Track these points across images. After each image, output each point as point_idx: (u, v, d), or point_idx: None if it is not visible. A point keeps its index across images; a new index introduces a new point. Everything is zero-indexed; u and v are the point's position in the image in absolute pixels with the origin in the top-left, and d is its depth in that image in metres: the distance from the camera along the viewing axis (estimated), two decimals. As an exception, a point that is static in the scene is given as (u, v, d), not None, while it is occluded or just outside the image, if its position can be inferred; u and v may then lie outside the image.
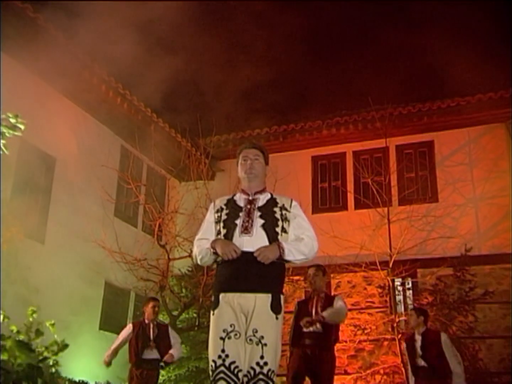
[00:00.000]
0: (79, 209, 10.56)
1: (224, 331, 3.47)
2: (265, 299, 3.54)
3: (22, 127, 3.67)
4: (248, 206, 3.77)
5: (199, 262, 3.83)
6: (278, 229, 3.69)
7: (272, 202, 3.83)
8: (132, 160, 12.06)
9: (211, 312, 3.62)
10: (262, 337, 3.46)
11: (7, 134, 3.52)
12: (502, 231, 11.48)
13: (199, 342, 9.93)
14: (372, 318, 11.43)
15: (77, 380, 9.08)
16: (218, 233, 3.74)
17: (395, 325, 10.58)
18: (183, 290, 10.54)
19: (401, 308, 11.44)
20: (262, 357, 3.43)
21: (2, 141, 3.49)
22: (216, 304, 3.58)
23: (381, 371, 10.91)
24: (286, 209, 3.80)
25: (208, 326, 10.19)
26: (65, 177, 10.40)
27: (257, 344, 3.46)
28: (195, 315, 10.11)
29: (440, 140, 12.38)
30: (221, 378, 3.40)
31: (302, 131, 12.99)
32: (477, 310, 10.59)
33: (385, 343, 11.06)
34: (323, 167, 13.21)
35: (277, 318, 3.55)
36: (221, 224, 3.73)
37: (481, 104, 11.90)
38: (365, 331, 11.02)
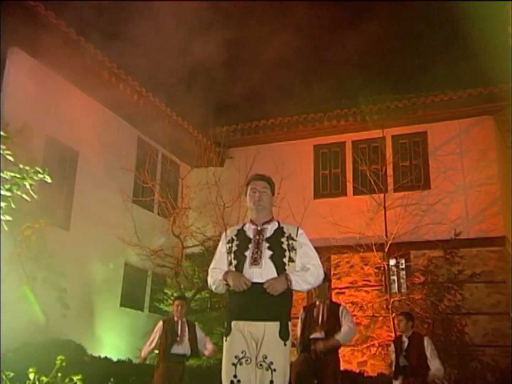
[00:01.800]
0: (100, 198, 10.64)
1: (236, 357, 3.47)
2: (274, 327, 3.54)
3: (49, 180, 3.59)
4: (257, 237, 3.72)
5: (213, 290, 3.84)
6: (286, 260, 3.65)
7: (279, 232, 3.78)
8: (148, 149, 12.18)
9: (224, 338, 3.62)
10: (272, 362, 3.46)
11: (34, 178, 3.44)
12: (489, 216, 11.55)
13: (211, 319, 10.07)
14: (368, 295, 11.56)
15: (101, 356, 9.19)
16: (230, 263, 3.72)
17: (390, 306, 10.68)
18: (196, 272, 10.59)
19: (395, 287, 11.58)
20: (271, 382, 3.45)
21: (28, 183, 3.43)
22: (228, 331, 3.59)
23: (376, 344, 11.07)
24: (292, 238, 3.75)
25: (219, 306, 10.37)
26: (87, 169, 10.47)
27: (267, 369, 3.46)
28: (207, 295, 10.24)
29: (433, 131, 12.34)
30: None
31: (305, 122, 12.95)
32: (464, 290, 10.65)
33: (380, 318, 11.20)
34: (324, 155, 13.20)
35: (285, 344, 3.55)
36: (232, 255, 3.71)
37: (471, 98, 11.82)
38: (362, 308, 11.16)
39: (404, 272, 11.70)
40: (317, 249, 12.67)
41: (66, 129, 9.96)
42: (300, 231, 3.83)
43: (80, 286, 9.79)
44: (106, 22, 9.97)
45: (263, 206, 3.80)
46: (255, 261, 3.61)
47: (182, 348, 7.19)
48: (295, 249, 3.71)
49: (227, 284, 3.59)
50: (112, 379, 8.81)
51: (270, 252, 3.64)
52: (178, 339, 7.17)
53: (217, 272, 3.71)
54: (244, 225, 3.90)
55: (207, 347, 7.48)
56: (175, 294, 10.54)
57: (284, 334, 3.53)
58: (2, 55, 8.77)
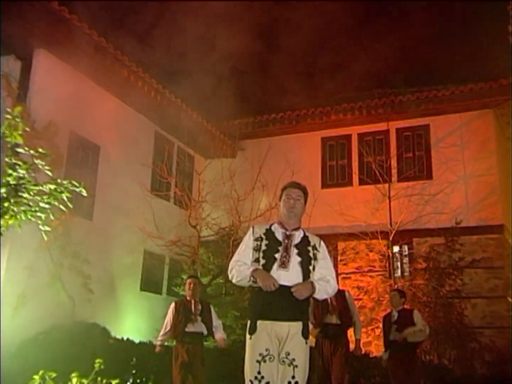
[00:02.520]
0: (120, 189, 10.78)
1: (260, 355, 3.50)
2: (297, 326, 3.57)
3: (85, 193, 3.63)
4: (286, 241, 3.72)
5: (234, 281, 3.81)
6: (311, 267, 3.70)
7: (306, 240, 3.80)
8: (165, 142, 12.32)
9: (248, 336, 3.62)
10: (294, 359, 3.50)
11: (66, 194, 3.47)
12: (488, 205, 11.60)
13: (225, 303, 10.24)
14: (373, 280, 11.68)
15: (123, 338, 9.38)
16: (256, 260, 3.69)
17: (393, 286, 10.79)
18: (211, 259, 10.73)
19: (398, 272, 11.68)
20: (293, 377, 3.48)
21: (65, 196, 3.48)
22: (253, 329, 3.58)
23: (380, 326, 11.21)
24: (316, 249, 3.78)
25: (233, 291, 10.50)
26: (108, 162, 10.60)
27: (289, 365, 3.49)
28: (221, 281, 10.39)
29: (435, 124, 12.34)
30: None
31: (313, 115, 12.96)
32: (464, 275, 10.78)
33: (384, 302, 11.28)
34: (331, 147, 13.22)
35: (306, 342, 3.59)
36: (261, 254, 3.69)
37: (472, 93, 11.81)
38: (367, 292, 11.29)
39: (407, 258, 11.80)
40: (325, 236, 12.88)
41: (88, 125, 10.08)
42: (322, 243, 3.88)
43: (103, 273, 10.00)
44: (126, 23, 10.00)
45: (295, 213, 3.79)
46: (283, 264, 3.63)
47: (198, 326, 6.82)
48: (317, 259, 3.75)
49: (254, 281, 3.59)
50: (134, 360, 9.07)
51: (299, 258, 3.67)
52: (193, 317, 6.78)
53: (243, 267, 3.68)
54: (271, 225, 3.88)
55: (218, 336, 7.15)
56: (191, 280, 10.74)
57: (305, 333, 3.59)
58: (29, 56, 8.90)
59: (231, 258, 10.20)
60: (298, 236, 3.78)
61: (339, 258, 12.03)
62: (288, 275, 3.59)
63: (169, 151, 12.33)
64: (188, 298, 7.04)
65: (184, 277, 11.10)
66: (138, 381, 9.10)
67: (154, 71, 10.67)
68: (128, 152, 11.10)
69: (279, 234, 3.77)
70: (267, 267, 3.62)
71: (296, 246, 3.72)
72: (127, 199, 10.88)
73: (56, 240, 8.78)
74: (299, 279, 3.60)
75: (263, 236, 3.76)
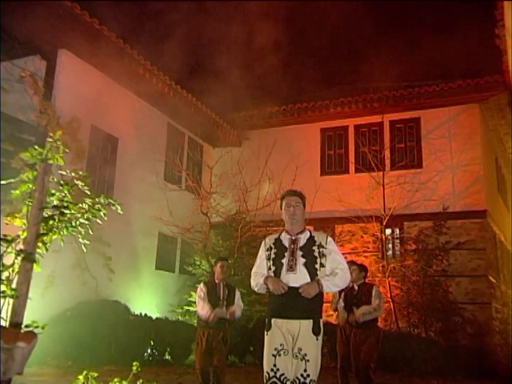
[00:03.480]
0: (137, 177, 10.92)
1: (275, 349, 3.54)
2: (307, 324, 3.58)
3: (120, 211, 3.64)
4: (292, 246, 3.72)
5: (256, 290, 3.85)
6: (317, 266, 3.68)
7: (311, 241, 3.77)
8: (177, 133, 12.39)
9: (265, 332, 3.66)
10: (306, 354, 3.52)
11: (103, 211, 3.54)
12: (472, 192, 11.73)
13: (233, 282, 10.36)
14: (367, 260, 11.81)
15: (142, 313, 9.59)
16: (269, 268, 3.72)
17: (386, 271, 11.02)
18: (219, 241, 10.87)
19: (390, 253, 11.87)
20: (305, 370, 3.51)
21: (102, 212, 3.53)
22: (269, 327, 3.64)
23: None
24: (322, 246, 3.74)
25: (240, 272, 10.66)
26: (126, 153, 10.70)
27: (301, 360, 3.52)
28: (231, 261, 10.56)
29: (425, 117, 12.40)
30: None
31: (313, 108, 13.00)
32: (450, 256, 10.92)
33: (377, 279, 11.48)
34: (329, 137, 13.27)
35: (317, 339, 3.58)
36: (271, 262, 3.71)
37: (460, 89, 11.82)
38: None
39: (398, 241, 11.98)
40: (323, 220, 13.08)
41: (107, 119, 10.16)
42: (329, 239, 3.83)
43: (123, 254, 10.16)
44: (142, 25, 9.98)
45: (296, 219, 3.79)
46: (291, 268, 3.65)
47: (223, 312, 6.20)
48: (325, 256, 3.72)
49: (267, 288, 3.66)
50: (152, 334, 9.31)
51: (304, 260, 3.67)
52: (220, 303, 6.25)
53: (258, 276, 3.75)
54: (280, 234, 3.87)
55: (231, 308, 6.27)
56: (203, 261, 10.90)
57: (316, 330, 3.59)
58: (53, 57, 8.92)
59: (239, 242, 10.33)
60: (303, 239, 3.77)
61: (336, 239, 12.18)
62: (296, 277, 3.61)
63: (181, 141, 12.43)
64: (216, 281, 6.40)
65: (196, 258, 11.32)
66: (156, 353, 9.39)
67: (167, 69, 10.68)
68: (143, 143, 11.19)
69: (285, 240, 3.77)
70: (277, 273, 3.65)
71: (301, 248, 3.72)
72: (143, 187, 11.03)
73: (80, 226, 8.95)
74: (307, 279, 3.61)
75: (272, 246, 3.78)
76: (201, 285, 6.44)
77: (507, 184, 16.13)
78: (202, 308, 6.04)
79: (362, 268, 7.03)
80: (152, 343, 9.33)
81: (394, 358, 9.50)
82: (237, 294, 6.47)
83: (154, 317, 9.65)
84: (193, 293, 10.98)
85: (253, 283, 3.82)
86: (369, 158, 12.02)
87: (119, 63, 9.62)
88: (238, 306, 6.41)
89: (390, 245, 11.97)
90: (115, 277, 10.68)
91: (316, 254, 3.70)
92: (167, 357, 9.50)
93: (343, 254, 12.62)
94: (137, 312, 9.75)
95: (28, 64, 8.73)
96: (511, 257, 15.32)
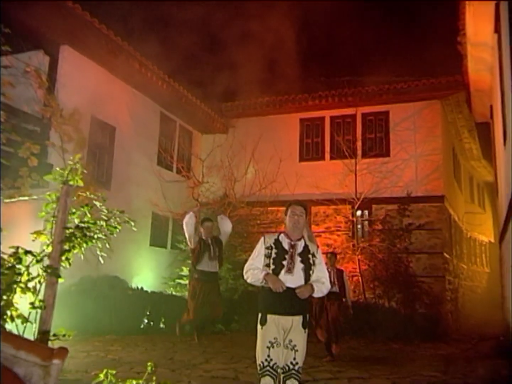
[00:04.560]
0: (132, 163, 10.89)
1: (269, 342, 3.64)
2: (298, 319, 3.71)
3: (134, 228, 3.71)
4: (291, 250, 3.79)
5: (248, 281, 3.90)
6: (311, 272, 3.79)
7: (306, 249, 3.86)
8: (169, 121, 12.32)
9: (259, 326, 3.74)
10: (295, 345, 3.65)
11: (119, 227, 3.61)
12: (432, 179, 12.02)
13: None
14: (339, 238, 12.15)
15: (138, 287, 9.71)
16: (267, 265, 3.78)
17: (356, 249, 11.33)
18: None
19: (360, 233, 12.17)
20: (294, 359, 3.65)
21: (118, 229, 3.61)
22: (264, 321, 3.71)
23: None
24: (315, 256, 3.86)
25: (226, 251, 10.81)
26: (122, 140, 10.62)
27: (291, 350, 3.65)
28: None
29: (393, 111, 12.53)
30: (267, 374, 3.66)
31: (294, 100, 12.99)
32: (411, 235, 11.22)
33: (347, 255, 11.82)
34: (308, 127, 13.31)
35: (305, 331, 3.72)
36: (271, 261, 3.77)
37: (425, 87, 11.96)
38: (335, 248, 11.79)
39: (367, 222, 12.24)
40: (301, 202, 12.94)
41: (106, 109, 10.05)
42: (319, 250, 3.97)
43: (120, 233, 10.19)
44: (138, 23, 9.78)
45: (299, 227, 3.87)
46: (289, 270, 3.73)
47: (213, 266, 6.68)
48: (315, 265, 3.84)
49: (266, 283, 3.73)
50: (148, 306, 9.49)
51: (302, 265, 3.76)
52: (212, 254, 6.67)
53: (256, 271, 3.81)
54: (279, 235, 3.93)
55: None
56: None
57: (304, 324, 3.73)
58: (55, 52, 8.73)
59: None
60: (300, 246, 3.85)
61: (312, 219, 12.45)
62: (293, 279, 3.71)
63: (172, 128, 12.38)
64: (204, 238, 6.94)
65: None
66: (152, 323, 9.59)
67: (161, 64, 10.55)
68: (138, 131, 11.12)
69: (285, 244, 3.84)
70: (276, 272, 3.73)
71: (299, 254, 3.80)
72: (138, 172, 11.01)
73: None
74: (302, 282, 3.73)
75: (273, 246, 3.83)
76: (190, 213, 7.19)
77: (461, 170, 16.61)
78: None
79: (335, 255, 7.98)
80: (148, 314, 9.52)
81: (361, 325, 9.90)
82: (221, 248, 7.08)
83: (149, 290, 9.80)
84: (184, 268, 11.17)
85: (248, 274, 3.83)
86: (343, 146, 12.20)
87: (117, 58, 9.46)
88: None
89: (359, 226, 12.23)
90: (114, 254, 10.79)
91: (310, 261, 3.81)
92: (162, 325, 9.72)
93: (318, 232, 12.97)
94: (134, 286, 9.89)
95: (32, 59, 8.52)
96: (463, 234, 15.92)
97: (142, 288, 9.78)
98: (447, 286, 12.05)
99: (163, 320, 9.63)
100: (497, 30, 7.21)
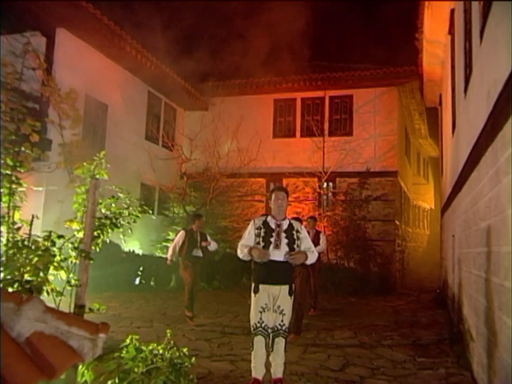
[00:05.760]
0: (123, 138, 10.76)
1: (261, 307, 3.85)
2: (285, 288, 3.89)
3: (153, 215, 3.83)
4: (277, 229, 3.94)
5: (240, 257, 4.06)
6: (295, 246, 3.93)
7: (290, 226, 3.98)
8: (155, 99, 12.15)
9: (253, 294, 3.91)
10: (283, 310, 3.86)
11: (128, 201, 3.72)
12: (388, 157, 12.44)
13: (205, 225, 10.79)
14: (307, 207, 12.52)
15: (130, 251, 9.84)
16: (258, 243, 3.91)
17: (322, 217, 11.74)
18: (192, 192, 11.06)
19: (325, 202, 12.56)
20: (282, 321, 3.88)
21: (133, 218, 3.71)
22: (257, 290, 3.90)
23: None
24: (298, 232, 4.00)
25: (210, 220, 11.01)
26: (114, 117, 10.46)
27: (280, 314, 3.87)
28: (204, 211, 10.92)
29: (357, 95, 12.73)
30: (260, 333, 3.86)
31: (269, 83, 12.97)
32: (369, 205, 11.72)
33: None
34: (281, 107, 13.35)
35: (291, 298, 3.93)
36: (261, 239, 3.91)
37: (384, 75, 12.17)
38: (303, 216, 12.16)
39: (331, 193, 12.58)
40: (275, 174, 13.61)
41: (99, 88, 9.82)
42: (302, 226, 4.10)
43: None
44: (130, 9, 9.46)
45: (282, 209, 4.03)
46: (277, 246, 3.88)
47: (198, 252, 7.17)
48: (300, 239, 3.99)
49: (251, 256, 3.89)
50: (141, 268, 9.68)
51: (287, 240, 3.91)
52: (198, 244, 7.08)
53: (245, 248, 3.94)
54: (266, 217, 4.07)
55: (211, 244, 7.37)
56: (180, 210, 11.18)
57: (290, 292, 3.92)
58: (52, 34, 8.42)
59: (211, 196, 10.64)
60: (285, 224, 3.99)
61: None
62: (280, 253, 3.88)
63: (158, 105, 12.23)
64: (194, 229, 7.26)
65: (174, 204, 11.56)
66: (143, 281, 9.81)
67: (150, 46, 10.33)
68: (128, 108, 10.95)
69: (272, 223, 3.98)
70: (266, 247, 3.88)
71: (285, 231, 3.95)
72: (128, 145, 10.91)
73: (79, 180, 8.89)
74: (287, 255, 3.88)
75: (262, 226, 3.97)
76: (182, 231, 7.30)
77: (411, 147, 17.19)
78: (169, 253, 7.25)
79: (314, 220, 8.16)
80: (140, 274, 9.72)
81: (325, 282, 10.41)
82: (208, 236, 7.44)
83: (140, 253, 9.95)
84: (170, 232, 11.33)
85: (239, 252, 3.98)
86: (312, 126, 12.40)
87: (109, 41, 9.21)
88: (212, 241, 7.42)
89: (325, 197, 12.57)
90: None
91: (294, 237, 3.96)
92: (152, 284, 9.96)
93: (288, 201, 13.32)
94: (127, 249, 10.01)
95: (30, 40, 8.21)
96: (410, 203, 16.66)
97: (134, 251, 9.92)
98: (396, 248, 12.71)
99: (153, 279, 9.86)
100: (450, 32, 7.45)
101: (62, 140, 5.69)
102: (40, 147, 4.91)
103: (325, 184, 12.49)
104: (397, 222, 12.89)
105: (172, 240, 10.77)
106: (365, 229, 11.62)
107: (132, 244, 10.60)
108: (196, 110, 13.15)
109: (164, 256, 11.05)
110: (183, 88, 12.32)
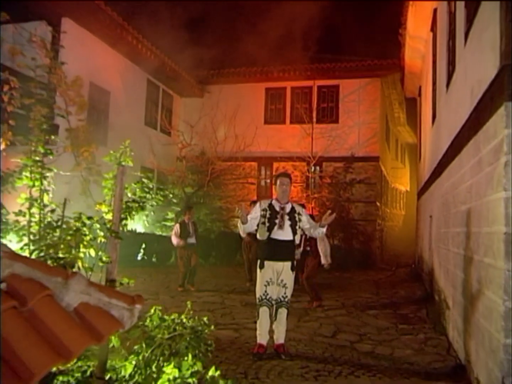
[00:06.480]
0: (124, 123, 10.68)
1: (266, 281, 4.01)
2: (288, 264, 4.04)
3: (174, 199, 3.91)
4: (281, 212, 4.07)
5: (241, 234, 4.37)
6: (297, 227, 4.09)
7: (293, 210, 4.12)
8: (153, 87, 12.03)
9: (259, 270, 4.07)
10: (285, 283, 4.03)
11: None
12: (371, 143, 12.63)
13: (202, 206, 10.90)
14: (296, 189, 12.60)
15: (133, 229, 9.88)
16: (263, 223, 4.06)
17: (310, 199, 11.91)
18: (189, 175, 11.06)
19: (312, 185, 12.69)
20: (285, 293, 4.05)
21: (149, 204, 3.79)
22: (262, 266, 4.05)
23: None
24: (300, 214, 4.16)
25: (206, 201, 11.11)
26: (116, 103, 10.38)
27: (283, 287, 4.03)
28: (200, 193, 10.96)
29: (343, 85, 12.78)
30: (265, 304, 4.01)
31: (261, 72, 12.94)
32: (353, 188, 11.91)
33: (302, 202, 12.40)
34: (272, 95, 13.35)
35: (293, 273, 4.09)
36: (266, 220, 4.05)
37: (369, 66, 12.24)
38: (292, 198, 12.29)
39: (318, 176, 12.70)
40: (266, 158, 13.75)
41: (102, 76, 9.71)
42: (303, 209, 4.31)
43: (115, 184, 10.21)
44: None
45: (286, 194, 4.18)
46: (280, 227, 4.03)
47: (193, 239, 7.66)
48: (301, 221, 4.16)
49: (243, 223, 4.03)
50: (143, 246, 9.77)
51: (289, 222, 4.07)
52: (190, 234, 7.59)
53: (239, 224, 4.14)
54: (272, 201, 4.20)
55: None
56: (175, 189, 11.22)
57: (292, 268, 4.09)
58: (58, 23, 8.24)
59: (208, 179, 10.67)
60: (288, 207, 4.14)
61: (273, 173, 12.84)
62: (283, 233, 4.04)
63: (157, 92, 12.13)
64: (186, 221, 7.73)
65: (172, 186, 11.58)
66: (146, 258, 9.92)
67: (151, 36, 10.18)
68: (129, 95, 10.86)
69: (277, 206, 4.12)
70: (271, 228, 4.03)
71: (288, 214, 4.09)
72: (129, 130, 10.80)
73: (85, 163, 8.86)
74: (290, 235, 4.06)
75: (267, 208, 4.12)
76: (177, 225, 7.78)
77: (390, 133, 17.40)
78: (175, 240, 7.56)
79: (303, 207, 7.90)
80: (142, 251, 9.82)
81: (312, 258, 10.70)
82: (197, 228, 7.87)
83: (143, 231, 10.03)
84: (169, 212, 11.38)
85: (239, 228, 4.21)
86: (301, 113, 12.44)
87: (112, 31, 9.07)
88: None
89: (312, 180, 12.69)
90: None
91: (296, 219, 4.13)
92: (154, 260, 10.08)
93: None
94: (129, 228, 10.06)
95: (37, 29, 8.04)
96: (389, 185, 16.95)
97: (135, 230, 9.99)
98: (377, 227, 13.03)
99: (155, 255, 9.98)
100: (432, 29, 7.54)
101: (68, 125, 5.70)
102: (47, 132, 4.94)
103: (313, 168, 12.62)
104: (378, 204, 13.16)
105: (171, 219, 10.89)
106: (349, 210, 11.86)
107: (135, 223, 10.65)
108: (192, 97, 13.07)
109: (162, 233, 11.18)
110: (180, 75, 12.21)
